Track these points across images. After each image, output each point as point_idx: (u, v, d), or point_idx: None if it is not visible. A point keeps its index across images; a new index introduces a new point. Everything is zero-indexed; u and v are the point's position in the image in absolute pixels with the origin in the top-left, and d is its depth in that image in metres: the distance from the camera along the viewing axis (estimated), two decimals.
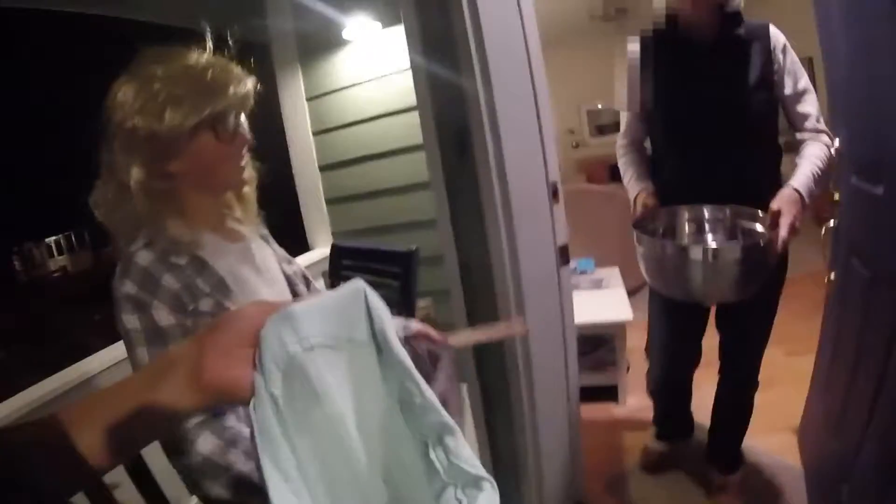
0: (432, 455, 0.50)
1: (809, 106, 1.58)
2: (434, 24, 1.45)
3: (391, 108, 2.62)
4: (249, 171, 1.12)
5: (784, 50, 1.57)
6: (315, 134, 2.90)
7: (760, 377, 1.81)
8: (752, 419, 1.88)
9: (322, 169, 2.92)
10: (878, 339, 1.32)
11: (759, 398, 1.84)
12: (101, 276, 1.06)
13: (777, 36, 1.59)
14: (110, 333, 1.14)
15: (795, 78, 1.58)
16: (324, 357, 0.50)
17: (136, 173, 0.94)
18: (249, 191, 1.16)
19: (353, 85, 2.72)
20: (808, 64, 6.10)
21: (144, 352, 0.89)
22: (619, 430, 2.49)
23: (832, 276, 1.66)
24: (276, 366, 0.48)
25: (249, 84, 1.02)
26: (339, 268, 2.22)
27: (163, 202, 0.97)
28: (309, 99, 2.89)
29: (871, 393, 1.33)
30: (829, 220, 1.63)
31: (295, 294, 1.18)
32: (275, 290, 1.14)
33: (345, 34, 2.62)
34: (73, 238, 24.90)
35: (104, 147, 0.96)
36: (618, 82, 1.72)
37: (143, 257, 0.93)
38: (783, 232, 1.41)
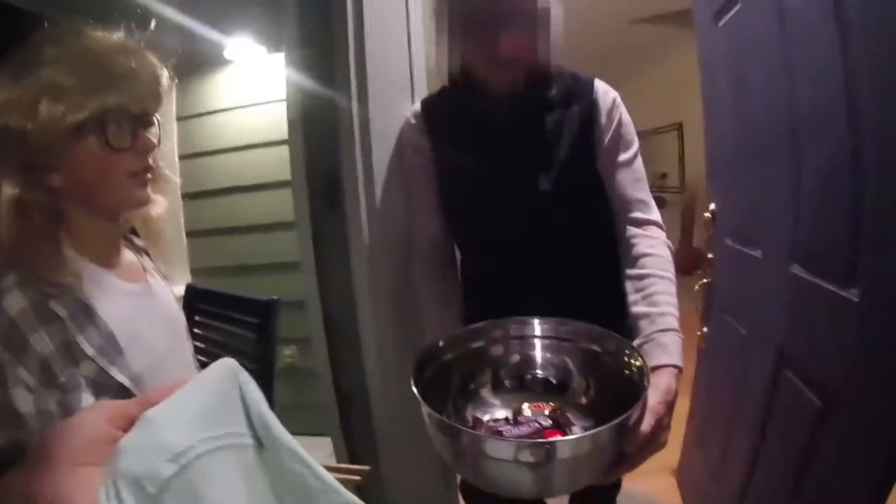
0: None
1: (638, 184, 1.17)
2: (316, 56, 1.30)
3: (265, 138, 2.42)
4: (161, 187, 0.90)
5: (612, 110, 1.17)
6: (181, 158, 2.61)
7: None
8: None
9: (185, 197, 2.63)
10: (754, 394, 1.35)
11: None
12: None
13: (605, 93, 1.19)
14: None
15: (623, 144, 1.17)
16: (203, 471, 0.41)
17: (6, 187, 0.71)
18: (158, 213, 0.93)
19: (229, 109, 2.51)
20: (679, 129, 6.63)
21: None
22: None
23: (705, 329, 1.75)
24: (143, 492, 0.37)
25: (164, 78, 0.82)
26: (194, 311, 2.02)
27: (39, 226, 0.74)
28: (179, 119, 2.60)
29: (750, 448, 1.35)
30: (697, 275, 1.71)
31: None
32: (178, 348, 0.92)
33: (226, 53, 2.40)
34: None
35: None
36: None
37: (14, 302, 0.69)
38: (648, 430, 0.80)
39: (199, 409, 0.42)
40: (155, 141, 0.83)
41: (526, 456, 0.65)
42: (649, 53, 6.01)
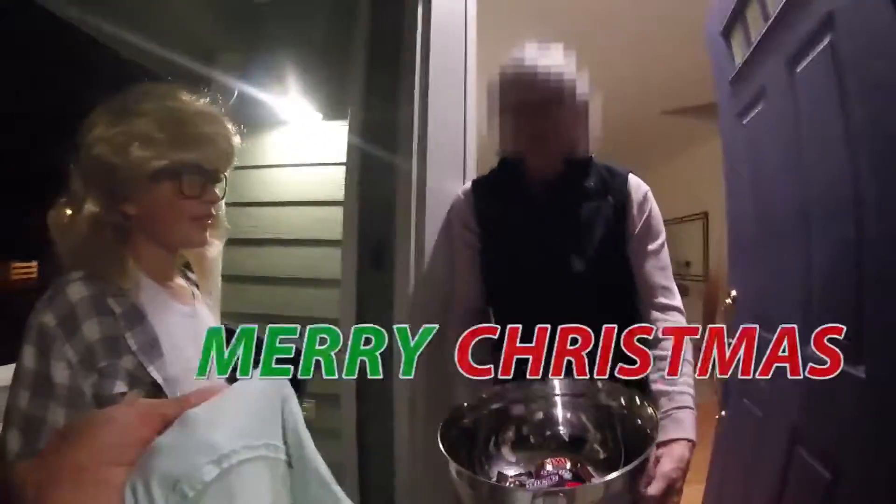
0: None
1: (663, 273, 1.27)
2: (378, 127, 1.44)
3: (311, 197, 2.52)
4: (217, 234, 1.05)
5: (643, 203, 1.29)
6: (227, 205, 2.73)
7: None
8: None
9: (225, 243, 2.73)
10: (769, 473, 1.38)
11: None
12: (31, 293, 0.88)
13: (638, 186, 1.31)
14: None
15: (652, 235, 1.29)
16: (241, 478, 0.37)
17: (89, 205, 0.86)
18: (212, 255, 1.08)
19: (279, 166, 2.63)
20: (704, 219, 6.57)
21: (26, 396, 0.76)
22: None
23: (723, 413, 1.78)
24: (179, 495, 0.34)
25: (235, 143, 0.98)
26: None
27: (111, 241, 0.88)
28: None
29: None
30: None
31: None
32: (215, 371, 1.00)
33: (283, 114, 2.56)
34: None
35: (73, 168, 0.89)
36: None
37: (76, 291, 0.81)
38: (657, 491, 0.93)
39: (242, 414, 0.40)
40: (220, 194, 0.98)
41: None
42: (678, 144, 6.13)
